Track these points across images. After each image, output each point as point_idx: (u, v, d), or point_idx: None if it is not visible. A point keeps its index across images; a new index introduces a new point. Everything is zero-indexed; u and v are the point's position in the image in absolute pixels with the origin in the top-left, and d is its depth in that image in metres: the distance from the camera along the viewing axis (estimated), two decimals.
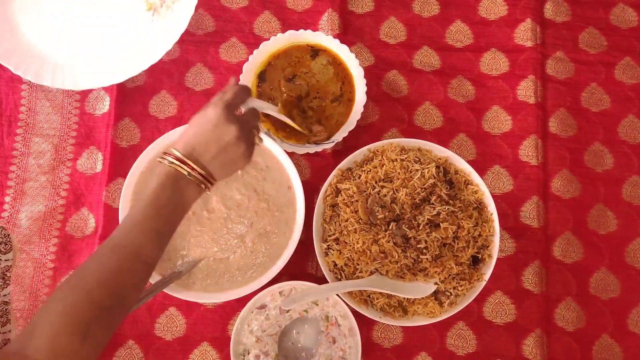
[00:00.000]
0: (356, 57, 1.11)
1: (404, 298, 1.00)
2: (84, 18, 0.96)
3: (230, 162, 0.83)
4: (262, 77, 1.13)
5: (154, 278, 1.00)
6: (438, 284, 0.99)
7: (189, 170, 0.79)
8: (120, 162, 1.12)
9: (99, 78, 0.99)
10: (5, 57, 0.89)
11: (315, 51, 1.14)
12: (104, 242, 0.76)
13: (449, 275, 0.98)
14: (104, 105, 1.15)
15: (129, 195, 1.05)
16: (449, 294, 0.99)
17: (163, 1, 0.92)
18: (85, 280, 0.72)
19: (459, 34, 1.21)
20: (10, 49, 0.89)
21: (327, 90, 1.12)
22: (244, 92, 0.87)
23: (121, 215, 1.03)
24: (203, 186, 0.81)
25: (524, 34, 1.19)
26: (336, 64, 1.13)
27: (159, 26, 0.94)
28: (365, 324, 1.05)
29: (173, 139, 1.07)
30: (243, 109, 0.89)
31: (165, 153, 0.80)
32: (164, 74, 1.17)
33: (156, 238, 0.78)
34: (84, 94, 1.16)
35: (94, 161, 1.13)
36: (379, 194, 1.00)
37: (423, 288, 0.99)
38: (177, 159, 0.78)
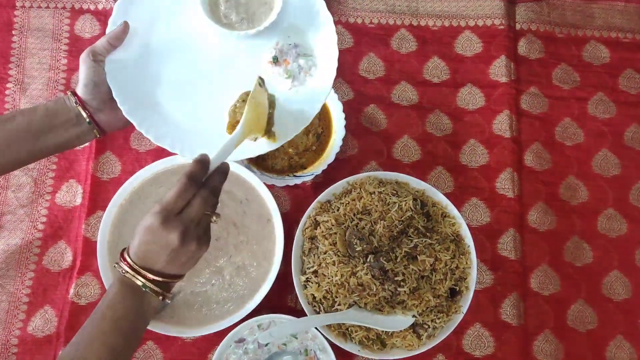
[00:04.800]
0: (335, 92, 1.14)
1: (383, 331, 0.99)
2: (222, 95, 0.88)
3: (187, 260, 0.76)
4: None
5: None
6: (416, 317, 0.99)
7: (143, 281, 0.74)
8: (100, 195, 1.12)
9: (243, 150, 0.87)
10: (160, 139, 0.84)
11: None
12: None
13: (427, 307, 0.99)
14: None
15: (108, 229, 1.05)
16: (427, 326, 0.99)
17: (301, 68, 0.88)
18: None
19: (436, 69, 1.24)
20: (165, 132, 0.85)
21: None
22: (190, 186, 0.74)
23: (99, 249, 1.03)
24: (161, 297, 0.76)
25: (499, 70, 1.23)
26: None
27: (300, 93, 0.89)
28: (344, 358, 1.04)
29: (154, 171, 1.08)
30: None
31: (121, 257, 0.76)
32: None
33: (110, 356, 0.72)
34: None
35: (73, 194, 1.13)
36: (357, 226, 1.01)
37: (401, 321, 0.99)
38: (131, 267, 0.74)
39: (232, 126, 0.87)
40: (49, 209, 1.13)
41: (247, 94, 0.87)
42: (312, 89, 0.88)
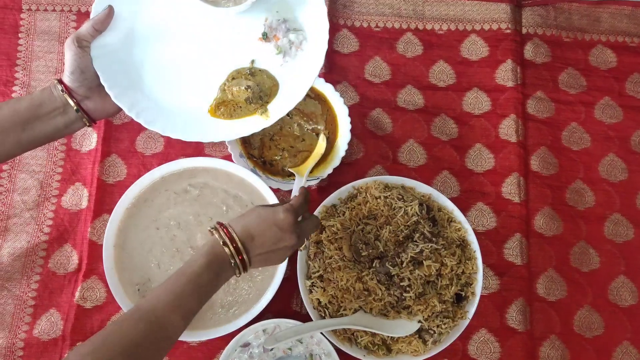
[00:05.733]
0: (341, 96, 1.13)
1: (388, 336, 0.99)
2: (213, 72, 0.89)
3: (271, 260, 0.83)
4: None
5: None
6: (422, 322, 0.99)
7: (238, 261, 0.79)
8: (106, 198, 1.12)
9: (233, 129, 0.89)
10: (151, 123, 0.84)
11: None
12: (132, 309, 0.74)
13: (433, 313, 0.98)
14: (91, 142, 1.16)
15: (114, 232, 1.05)
16: (432, 332, 0.99)
17: (292, 43, 0.87)
18: (107, 349, 0.68)
19: (442, 73, 1.24)
20: (155, 115, 0.84)
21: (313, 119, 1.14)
22: (308, 200, 0.88)
23: (105, 252, 1.03)
24: (238, 273, 0.81)
25: (505, 74, 1.22)
26: (321, 101, 1.15)
27: (292, 69, 0.88)
28: None
29: (159, 175, 1.08)
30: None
31: (222, 227, 0.80)
32: None
33: (187, 316, 0.76)
34: None
35: (79, 197, 1.14)
36: (362, 231, 1.01)
37: (407, 326, 0.98)
38: (235, 246, 0.78)
39: (218, 104, 0.87)
40: (55, 212, 1.13)
41: (237, 71, 0.87)
42: (305, 64, 0.87)
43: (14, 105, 0.81)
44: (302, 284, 1.02)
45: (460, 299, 1.02)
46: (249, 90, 0.87)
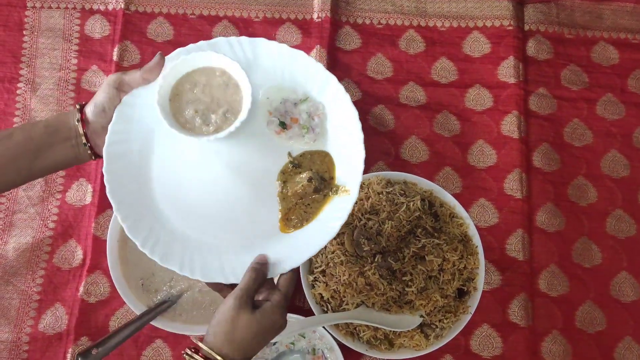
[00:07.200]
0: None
1: (390, 331, 1.00)
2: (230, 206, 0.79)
3: (263, 340, 0.76)
4: None
5: (140, 309, 1.00)
6: (424, 317, 0.99)
7: None
8: None
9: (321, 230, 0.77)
10: (169, 262, 0.75)
11: None
12: None
13: (435, 307, 0.99)
14: None
15: (118, 227, 1.05)
16: (434, 326, 0.99)
17: (310, 114, 0.78)
18: None
19: (444, 70, 1.24)
20: (181, 259, 0.75)
21: None
22: (261, 274, 0.75)
23: (109, 247, 1.04)
24: None
25: (507, 71, 1.23)
26: None
27: (328, 136, 0.79)
28: (351, 357, 1.05)
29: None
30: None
31: (194, 351, 0.74)
32: None
33: None
34: None
35: (83, 193, 1.14)
36: (365, 226, 1.01)
37: (409, 321, 0.99)
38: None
39: (286, 214, 0.78)
40: (59, 208, 1.14)
41: (282, 172, 0.79)
42: (338, 121, 0.79)
43: (29, 132, 0.77)
44: (305, 279, 1.02)
45: (462, 294, 1.02)
46: (312, 182, 0.77)
